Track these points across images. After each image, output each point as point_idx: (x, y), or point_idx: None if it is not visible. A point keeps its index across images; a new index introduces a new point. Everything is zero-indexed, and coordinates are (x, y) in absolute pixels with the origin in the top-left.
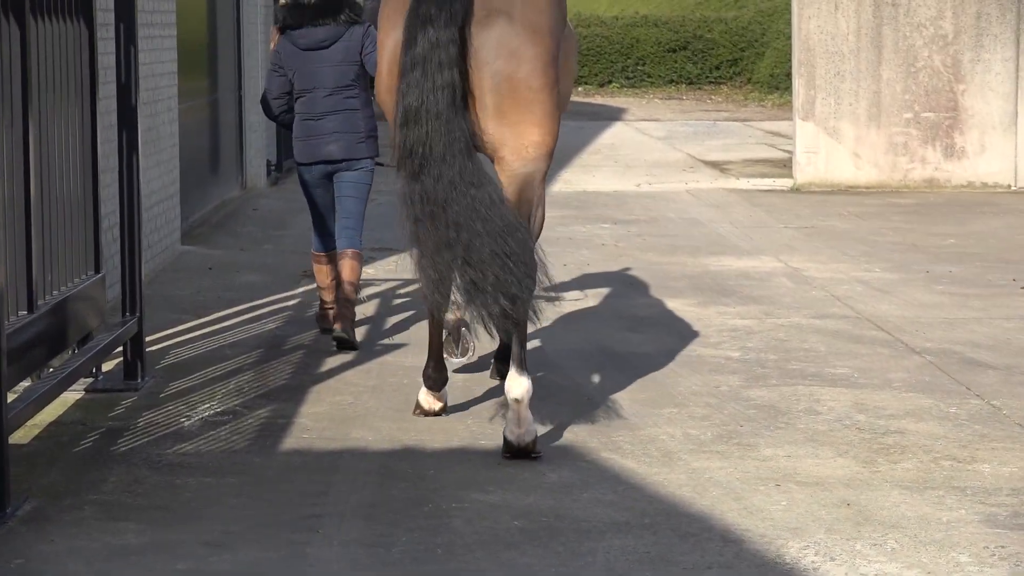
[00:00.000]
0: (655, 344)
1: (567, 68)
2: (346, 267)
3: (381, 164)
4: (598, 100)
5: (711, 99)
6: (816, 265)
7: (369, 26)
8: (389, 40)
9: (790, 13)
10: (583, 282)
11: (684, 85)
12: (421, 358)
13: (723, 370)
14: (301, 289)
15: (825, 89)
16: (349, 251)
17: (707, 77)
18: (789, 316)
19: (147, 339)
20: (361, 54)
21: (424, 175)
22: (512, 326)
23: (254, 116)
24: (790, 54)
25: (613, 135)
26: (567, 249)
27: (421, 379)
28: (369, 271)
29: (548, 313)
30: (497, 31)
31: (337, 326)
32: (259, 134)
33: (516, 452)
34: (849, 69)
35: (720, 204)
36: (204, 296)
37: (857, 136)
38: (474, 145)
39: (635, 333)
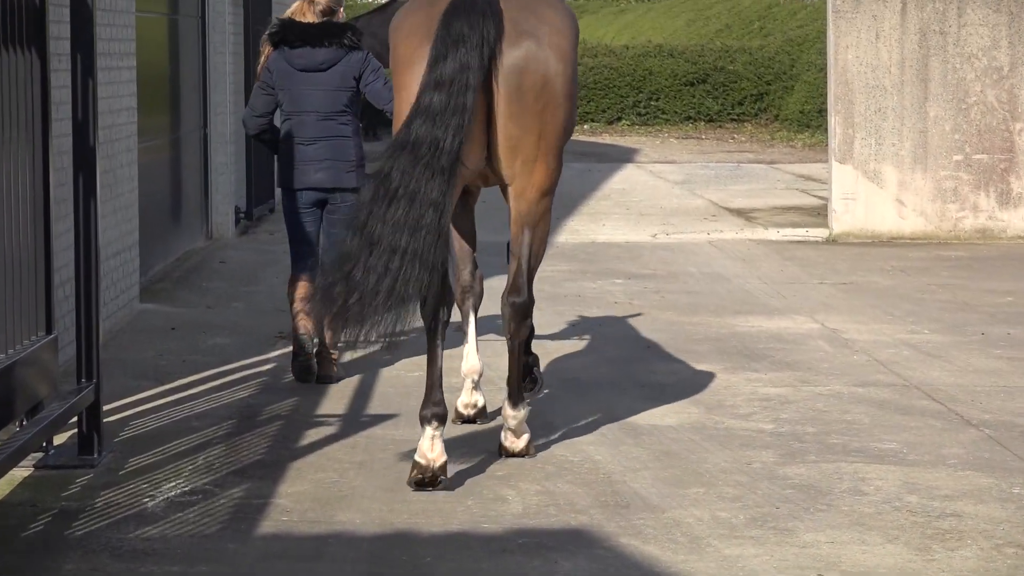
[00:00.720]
0: (678, 415)
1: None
2: None
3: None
4: (607, 139)
5: (734, 138)
6: (857, 326)
7: (368, 53)
8: (415, 63)
9: (824, 42)
10: (594, 346)
11: (703, 123)
12: (413, 431)
13: (755, 444)
14: (276, 352)
15: (865, 128)
16: None
17: (729, 114)
18: (828, 384)
19: (104, 409)
20: (359, 82)
21: (403, 173)
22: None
23: (221, 157)
24: (823, 88)
25: (624, 179)
26: (575, 307)
27: (418, 422)
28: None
29: (556, 379)
30: (525, 51)
31: (323, 370)
32: (226, 177)
33: (510, 454)
34: (892, 105)
35: (747, 257)
36: (167, 360)
37: (901, 181)
38: (479, 158)
39: (655, 403)
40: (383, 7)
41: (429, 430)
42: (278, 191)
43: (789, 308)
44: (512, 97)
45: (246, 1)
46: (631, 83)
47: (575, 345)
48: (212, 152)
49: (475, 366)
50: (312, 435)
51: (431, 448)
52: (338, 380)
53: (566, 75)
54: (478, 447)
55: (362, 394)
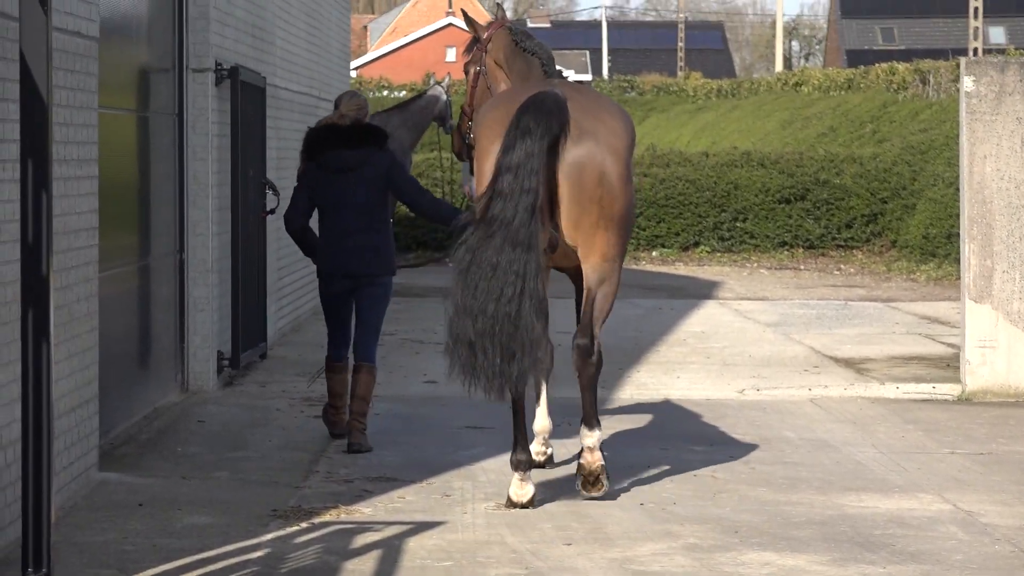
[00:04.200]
0: None
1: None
2: (360, 382)
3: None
4: (681, 269)
5: (840, 269)
6: (998, 508)
7: (394, 155)
8: (493, 150)
9: (954, 150)
10: (669, 531)
11: (802, 250)
12: None
13: None
14: (269, 535)
15: (1007, 258)
16: (364, 365)
17: (834, 239)
18: None
19: None
20: (386, 180)
21: (490, 247)
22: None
23: (201, 289)
24: (954, 208)
25: (703, 319)
26: (643, 482)
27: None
28: (367, 510)
29: (622, 573)
30: (586, 150)
31: (354, 439)
32: (207, 314)
33: (586, 477)
34: None
35: (858, 420)
36: (133, 544)
37: None
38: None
39: None
40: (404, 104)
41: (517, 476)
42: (271, 332)
43: (912, 485)
44: (574, 186)
45: (234, 95)
46: (711, 200)
47: (644, 528)
48: (190, 283)
49: (546, 426)
50: None
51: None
52: (366, 451)
53: (619, 172)
54: None
55: None
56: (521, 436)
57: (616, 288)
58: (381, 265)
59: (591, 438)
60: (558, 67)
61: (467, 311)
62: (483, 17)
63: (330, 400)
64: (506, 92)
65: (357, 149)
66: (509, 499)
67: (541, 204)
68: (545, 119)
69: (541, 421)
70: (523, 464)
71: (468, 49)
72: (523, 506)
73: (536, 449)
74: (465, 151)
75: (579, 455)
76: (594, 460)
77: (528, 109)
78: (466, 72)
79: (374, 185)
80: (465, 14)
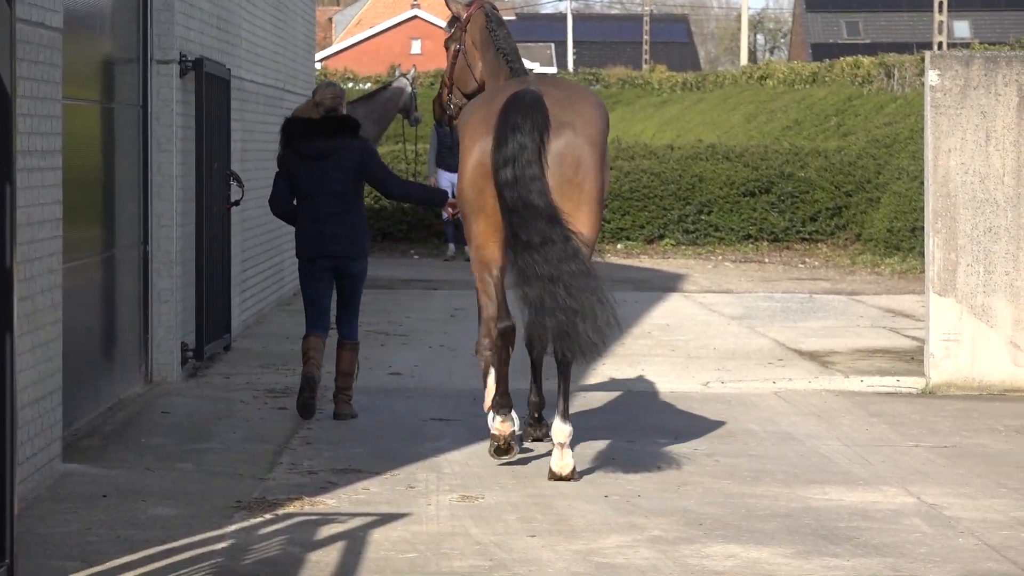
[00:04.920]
0: None
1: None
2: (344, 358)
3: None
4: (645, 262)
5: (805, 263)
6: (961, 500)
7: (367, 141)
8: (476, 147)
9: (919, 144)
10: (633, 523)
11: (766, 243)
12: None
13: None
14: (233, 526)
15: (971, 252)
16: (348, 342)
17: (799, 232)
18: (926, 574)
19: None
20: (359, 166)
21: (524, 234)
22: (573, 351)
23: (165, 281)
24: (918, 201)
25: (668, 312)
26: (608, 474)
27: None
28: (331, 502)
29: (587, 564)
30: (564, 140)
31: (339, 408)
32: (171, 306)
33: (558, 478)
34: (1005, 224)
35: (823, 412)
36: (97, 536)
37: (1017, 318)
38: None
39: None
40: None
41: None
42: (235, 324)
43: (876, 477)
44: (555, 174)
45: (199, 86)
46: (676, 193)
47: (608, 520)
48: (154, 275)
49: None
50: None
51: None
52: (352, 417)
53: (595, 156)
54: None
55: None
56: (500, 382)
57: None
58: (357, 247)
59: (562, 433)
60: (524, 60)
61: (539, 280)
62: (444, 9)
63: (303, 357)
64: (485, 95)
65: (331, 138)
66: (493, 437)
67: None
68: (531, 114)
69: (532, 398)
70: (505, 405)
71: (450, 25)
72: (506, 443)
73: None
74: (446, 119)
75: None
76: (565, 462)
77: (512, 107)
78: (447, 48)
79: (349, 171)
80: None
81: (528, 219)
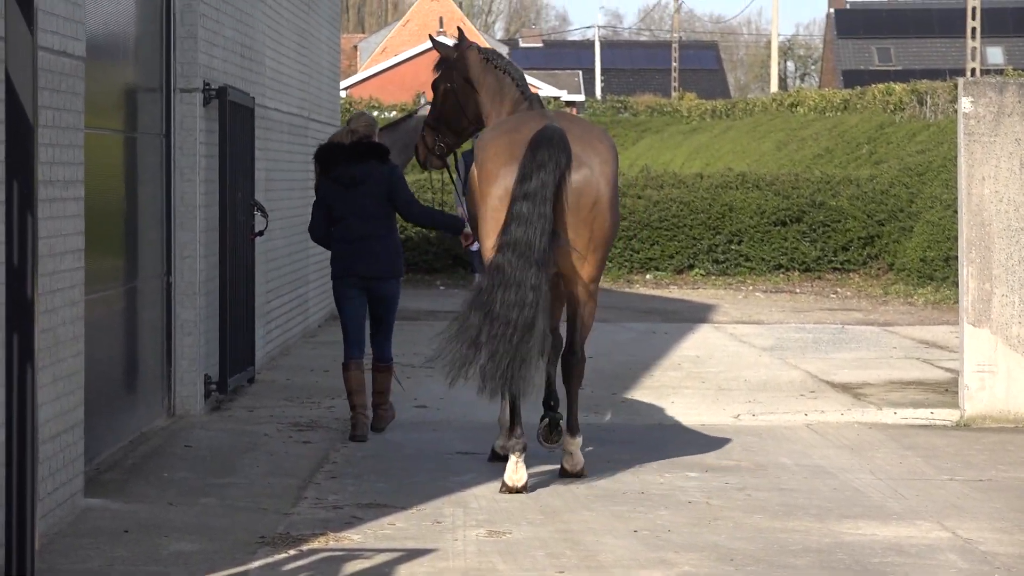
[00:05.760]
0: None
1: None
2: (379, 380)
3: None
4: (675, 293)
5: (836, 293)
6: (997, 535)
7: (396, 167)
8: (502, 176)
9: (952, 172)
10: (664, 558)
11: (797, 272)
12: None
13: None
14: (257, 563)
15: (1006, 281)
16: (381, 364)
17: (831, 262)
18: None
19: None
20: (387, 191)
21: (509, 272)
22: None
23: (188, 312)
24: (952, 231)
25: (698, 343)
26: (637, 509)
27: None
28: (356, 537)
29: None
30: (583, 177)
31: (376, 422)
32: (195, 338)
33: (569, 475)
34: None
35: (856, 445)
36: (118, 572)
37: None
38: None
39: None
40: (393, 124)
41: (513, 458)
42: (259, 356)
43: (911, 511)
44: (571, 211)
45: (223, 115)
46: (706, 222)
47: (638, 556)
48: (177, 306)
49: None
50: None
51: (515, 471)
52: (391, 419)
53: (610, 195)
54: None
55: None
56: (517, 423)
57: (596, 306)
58: (389, 268)
59: (573, 443)
60: (549, 85)
61: (489, 316)
62: (474, 36)
63: (349, 399)
64: (503, 123)
65: (361, 163)
66: (504, 484)
67: (552, 225)
68: (556, 153)
69: (506, 414)
70: (518, 446)
71: (437, 67)
72: (518, 490)
73: (500, 443)
74: (431, 161)
75: (562, 461)
76: (577, 462)
77: (542, 143)
78: (435, 89)
79: (380, 196)
80: (432, 37)
81: (521, 256)
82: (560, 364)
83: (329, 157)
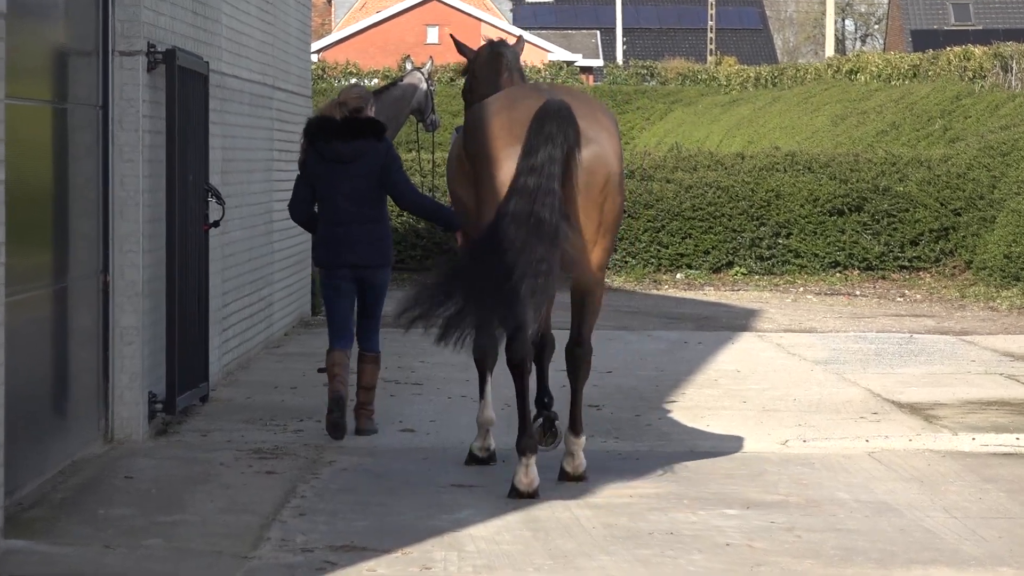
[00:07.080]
0: None
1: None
2: (366, 371)
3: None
4: (711, 295)
5: (904, 295)
6: None
7: (391, 145)
8: (507, 158)
9: None
10: None
11: (857, 271)
12: None
13: None
14: None
15: None
16: (368, 355)
17: (897, 258)
18: None
19: None
20: (380, 171)
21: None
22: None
23: (130, 317)
24: None
25: (739, 356)
26: (666, 552)
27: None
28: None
29: None
30: (593, 154)
31: (360, 424)
32: (137, 347)
33: (570, 478)
34: None
35: (926, 478)
36: None
37: None
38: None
39: None
40: (375, 93)
41: (524, 461)
42: (214, 370)
43: (991, 556)
44: (582, 191)
45: (171, 82)
46: (748, 211)
47: None
48: (116, 310)
49: (491, 418)
50: None
51: (526, 474)
52: (373, 433)
53: (619, 173)
54: None
55: None
56: (526, 420)
57: (603, 293)
58: (380, 255)
59: (576, 444)
60: (560, 48)
61: (471, 290)
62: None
63: (330, 384)
64: (500, 98)
65: (354, 140)
66: (515, 488)
67: (563, 204)
68: (564, 127)
69: (486, 413)
70: (530, 448)
71: (463, 73)
72: (530, 495)
73: (478, 445)
74: None
75: (562, 461)
76: (579, 464)
77: (548, 117)
78: (465, 99)
79: (372, 176)
80: (454, 38)
81: (530, 231)
82: (565, 357)
83: (319, 132)
